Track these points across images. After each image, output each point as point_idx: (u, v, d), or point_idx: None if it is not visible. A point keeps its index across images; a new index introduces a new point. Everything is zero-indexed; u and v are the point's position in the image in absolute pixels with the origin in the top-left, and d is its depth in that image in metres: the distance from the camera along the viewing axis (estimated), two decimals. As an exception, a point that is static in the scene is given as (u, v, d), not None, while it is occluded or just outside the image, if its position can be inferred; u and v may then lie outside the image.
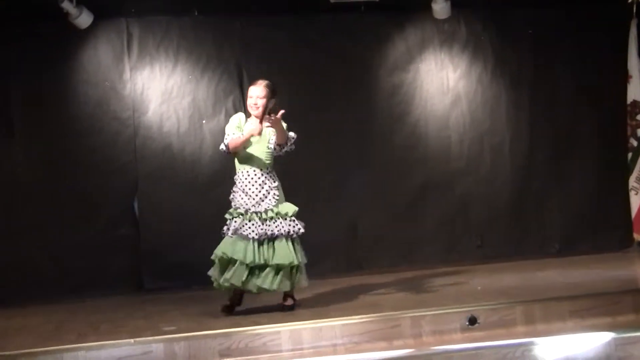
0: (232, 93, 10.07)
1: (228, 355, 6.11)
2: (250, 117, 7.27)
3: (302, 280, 7.25)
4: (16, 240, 9.50)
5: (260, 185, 7.19)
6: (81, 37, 9.74)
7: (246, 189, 7.18)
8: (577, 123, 10.79)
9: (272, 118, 6.98)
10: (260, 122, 7.14)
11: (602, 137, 10.80)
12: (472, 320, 6.46)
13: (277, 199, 7.22)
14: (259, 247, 7.07)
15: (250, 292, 7.19)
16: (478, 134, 10.63)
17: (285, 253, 7.08)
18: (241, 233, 7.08)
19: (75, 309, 8.53)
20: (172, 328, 6.51)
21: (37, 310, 8.55)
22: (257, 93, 7.23)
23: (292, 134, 7.35)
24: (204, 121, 9.95)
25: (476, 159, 10.61)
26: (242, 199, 7.19)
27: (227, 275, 7.05)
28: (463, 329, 6.45)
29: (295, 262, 7.11)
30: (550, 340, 6.20)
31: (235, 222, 7.16)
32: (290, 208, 7.26)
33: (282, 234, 7.11)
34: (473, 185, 10.57)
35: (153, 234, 9.76)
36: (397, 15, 10.53)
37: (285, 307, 7.27)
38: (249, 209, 7.13)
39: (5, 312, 8.56)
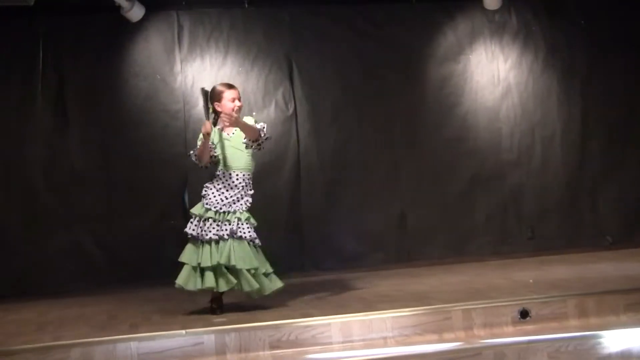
0: (282, 85, 10.08)
1: (278, 347, 6.11)
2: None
3: (264, 286, 7.08)
4: (71, 229, 9.62)
5: (240, 189, 7.15)
6: (133, 30, 9.82)
7: (223, 190, 7.13)
8: (632, 114, 10.67)
9: (231, 119, 6.96)
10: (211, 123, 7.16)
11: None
12: (524, 314, 6.41)
13: (247, 206, 7.16)
14: (217, 247, 6.99)
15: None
16: (529, 125, 10.55)
17: (250, 257, 6.99)
18: (201, 236, 7.05)
19: (127, 299, 8.59)
20: (223, 319, 6.53)
21: (91, 300, 8.64)
22: (239, 95, 7.30)
23: (260, 124, 7.22)
24: (254, 113, 9.95)
25: (527, 150, 10.53)
26: (215, 198, 7.11)
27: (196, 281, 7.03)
28: (514, 322, 6.41)
29: (256, 267, 7.01)
30: (603, 335, 6.14)
31: (199, 225, 7.10)
32: (253, 220, 7.18)
33: (245, 237, 7.02)
34: (524, 177, 10.49)
35: (203, 225, 9.79)
36: (447, 5, 10.50)
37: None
38: (220, 208, 7.06)
39: (63, 301, 8.67)
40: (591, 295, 6.61)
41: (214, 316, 6.77)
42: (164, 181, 9.84)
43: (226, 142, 7.22)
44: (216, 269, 6.94)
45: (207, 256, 6.96)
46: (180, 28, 9.98)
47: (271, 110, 9.99)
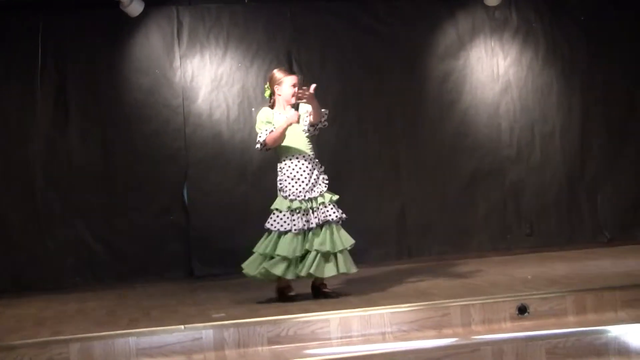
0: (282, 81, 10.08)
1: (277, 342, 6.12)
2: (276, 109, 7.36)
3: (344, 266, 7.15)
4: (70, 225, 9.62)
5: (309, 172, 7.21)
6: (132, 25, 9.82)
7: (296, 177, 7.19)
8: (632, 111, 10.70)
9: (307, 93, 7.00)
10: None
11: (658, 125, 10.71)
12: (522, 310, 6.42)
13: (326, 183, 7.27)
14: (303, 238, 7.08)
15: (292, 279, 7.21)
16: (528, 121, 10.56)
17: (326, 240, 7.06)
18: (287, 229, 7.11)
19: (126, 294, 8.62)
20: (222, 315, 6.54)
21: (90, 295, 8.67)
22: (299, 82, 7.34)
23: (324, 110, 7.34)
24: (253, 109, 9.96)
25: (527, 146, 10.54)
26: (293, 187, 7.18)
27: (270, 266, 7.08)
28: (513, 318, 6.42)
29: (337, 249, 7.09)
30: (602, 331, 6.15)
31: (282, 218, 7.16)
32: (334, 195, 7.27)
33: (328, 221, 7.10)
34: (524, 173, 10.50)
35: (203, 221, 9.81)
36: (448, 1, 10.51)
37: (323, 293, 7.27)
38: (303, 197, 7.13)
39: (62, 296, 8.70)
40: (589, 292, 6.62)
41: (213, 311, 6.76)
42: (163, 176, 9.84)
43: (289, 129, 7.26)
44: (307, 257, 7.07)
45: (300, 246, 7.08)
46: (180, 24, 9.98)
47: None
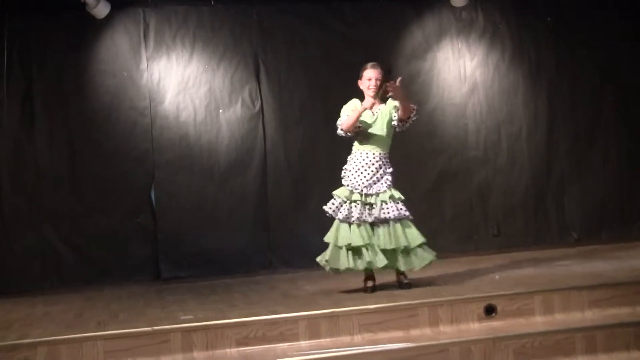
0: (249, 83, 10.08)
1: (245, 344, 6.12)
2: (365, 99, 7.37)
3: (416, 260, 7.27)
4: (37, 228, 9.56)
5: (376, 168, 7.29)
6: (99, 27, 9.78)
7: (361, 169, 7.27)
8: (599, 111, 10.79)
9: (393, 85, 7.01)
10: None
11: (624, 125, 10.80)
12: (490, 310, 6.44)
13: (388, 185, 7.28)
14: (372, 230, 7.17)
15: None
16: (495, 122, 10.61)
17: (389, 238, 7.15)
18: (348, 219, 7.16)
19: (94, 297, 8.57)
20: (190, 317, 6.52)
21: (58, 298, 8.64)
22: (376, 75, 7.37)
23: (413, 105, 7.36)
24: (220, 111, 9.96)
25: (493, 147, 10.59)
26: (354, 178, 7.25)
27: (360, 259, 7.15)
28: (480, 318, 6.44)
29: (402, 245, 7.15)
30: (569, 331, 6.19)
31: (349, 208, 7.20)
32: (399, 194, 7.32)
33: (395, 217, 7.17)
34: (490, 174, 10.55)
35: (170, 223, 9.78)
36: (415, 3, 10.54)
37: (402, 284, 7.32)
38: (361, 191, 7.19)
39: (29, 300, 8.64)
40: (557, 292, 6.66)
41: (181, 314, 6.74)
42: (130, 178, 9.81)
43: (369, 120, 7.32)
44: (364, 249, 7.10)
45: (355, 236, 7.11)
46: (147, 25, 9.95)
47: (237, 108, 9.99)
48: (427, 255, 7.30)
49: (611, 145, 10.78)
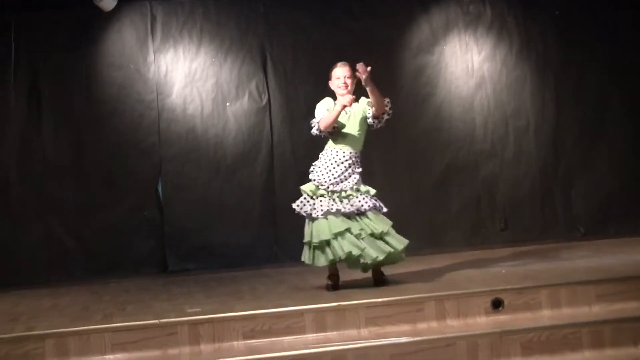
0: (255, 75, 10.08)
1: (252, 337, 6.11)
2: (337, 98, 7.32)
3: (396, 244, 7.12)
4: (44, 220, 9.58)
5: (345, 167, 7.21)
6: (106, 20, 9.79)
7: (330, 167, 7.20)
8: (606, 105, 10.76)
9: (364, 75, 6.98)
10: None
11: (631, 119, 10.77)
12: (497, 304, 6.43)
13: (355, 183, 7.19)
14: (341, 220, 7.04)
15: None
16: (502, 116, 10.60)
17: (377, 221, 7.09)
18: (315, 214, 7.09)
19: (101, 289, 8.56)
20: (197, 310, 6.52)
21: (64, 290, 8.62)
22: (344, 73, 7.34)
23: (386, 98, 7.31)
24: (227, 104, 9.96)
25: (501, 141, 10.58)
26: (323, 175, 7.19)
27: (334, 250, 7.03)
28: (487, 312, 6.43)
29: (385, 229, 7.08)
30: (576, 325, 6.18)
31: (313, 204, 7.15)
32: (369, 188, 7.25)
33: (367, 208, 7.09)
34: (497, 168, 10.54)
35: (177, 216, 9.79)
36: (422, -4, 10.54)
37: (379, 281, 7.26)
38: (327, 187, 7.13)
39: (36, 292, 8.63)
40: (564, 286, 6.63)
41: (188, 306, 6.74)
42: (138, 171, 9.83)
43: (343, 119, 7.28)
44: (329, 243, 7.01)
45: (320, 231, 7.03)
46: (154, 18, 9.96)
47: (244, 101, 9.99)
48: (401, 241, 7.18)
49: (618, 139, 10.76)
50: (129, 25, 9.94)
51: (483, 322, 6.37)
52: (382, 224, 7.12)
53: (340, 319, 6.24)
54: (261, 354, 5.86)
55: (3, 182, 9.55)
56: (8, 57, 9.59)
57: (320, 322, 6.21)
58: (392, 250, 7.05)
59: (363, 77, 7.03)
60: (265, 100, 10.07)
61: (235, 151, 9.97)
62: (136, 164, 9.81)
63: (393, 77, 10.35)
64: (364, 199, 7.14)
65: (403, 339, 6.03)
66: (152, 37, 9.96)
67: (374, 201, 7.21)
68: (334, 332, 6.20)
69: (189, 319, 6.12)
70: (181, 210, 9.82)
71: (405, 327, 6.27)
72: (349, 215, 7.05)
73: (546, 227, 10.54)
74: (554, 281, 6.79)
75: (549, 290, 6.57)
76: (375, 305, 6.33)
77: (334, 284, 7.19)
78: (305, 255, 7.23)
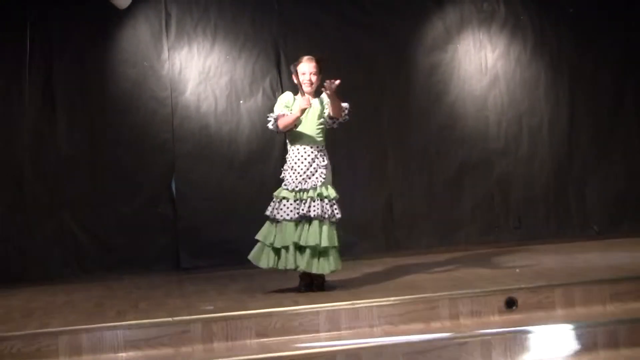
0: (270, 73, 10.07)
1: (265, 335, 6.12)
2: (299, 95, 7.28)
3: (326, 265, 7.03)
4: (57, 216, 9.59)
5: (309, 162, 7.16)
6: (120, 17, 9.78)
7: (295, 166, 7.17)
8: (620, 102, 10.75)
9: (331, 86, 6.87)
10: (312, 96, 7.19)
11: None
12: (510, 303, 6.43)
13: (324, 179, 7.14)
14: (295, 228, 7.03)
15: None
16: (516, 114, 10.58)
17: (315, 235, 6.98)
18: (275, 216, 7.09)
19: (114, 286, 8.59)
20: (210, 307, 6.53)
21: (78, 287, 8.65)
22: (310, 69, 7.25)
23: (345, 104, 7.25)
24: (241, 101, 9.96)
25: (514, 139, 10.55)
26: (290, 176, 7.17)
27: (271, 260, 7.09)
28: (501, 311, 6.43)
29: (322, 245, 6.97)
30: (589, 324, 6.17)
31: (276, 207, 7.14)
32: (332, 192, 7.15)
33: (316, 216, 7.02)
34: (511, 166, 10.51)
35: (190, 213, 9.79)
36: (436, -6, 10.52)
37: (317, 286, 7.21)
38: (296, 186, 7.09)
39: (49, 288, 8.68)
40: (578, 285, 6.64)
41: (201, 304, 6.75)
42: (151, 168, 9.82)
43: (303, 116, 7.25)
44: (288, 249, 7.01)
45: (280, 236, 7.05)
46: (168, 15, 9.95)
47: (259, 98, 9.99)
48: (334, 262, 7.08)
49: (633, 136, 10.74)
50: (144, 22, 9.94)
51: (497, 321, 6.37)
52: (326, 240, 7.00)
53: (354, 318, 6.25)
54: (274, 352, 5.87)
55: (17, 178, 9.56)
56: (23, 54, 9.59)
57: (334, 320, 6.23)
58: (320, 269, 7.05)
59: (328, 92, 6.97)
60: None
61: (248, 148, 9.96)
62: (150, 161, 9.81)
63: (407, 75, 10.34)
64: (319, 205, 7.04)
65: (416, 338, 6.04)
66: (167, 34, 9.95)
67: (329, 208, 7.09)
68: (348, 331, 6.21)
69: (202, 317, 6.15)
70: (195, 207, 9.82)
71: (419, 326, 6.29)
72: (302, 219, 7.03)
73: (560, 225, 10.52)
74: (568, 280, 6.80)
75: (563, 289, 6.57)
76: (389, 304, 6.34)
77: (306, 284, 7.20)
78: (254, 252, 7.22)
